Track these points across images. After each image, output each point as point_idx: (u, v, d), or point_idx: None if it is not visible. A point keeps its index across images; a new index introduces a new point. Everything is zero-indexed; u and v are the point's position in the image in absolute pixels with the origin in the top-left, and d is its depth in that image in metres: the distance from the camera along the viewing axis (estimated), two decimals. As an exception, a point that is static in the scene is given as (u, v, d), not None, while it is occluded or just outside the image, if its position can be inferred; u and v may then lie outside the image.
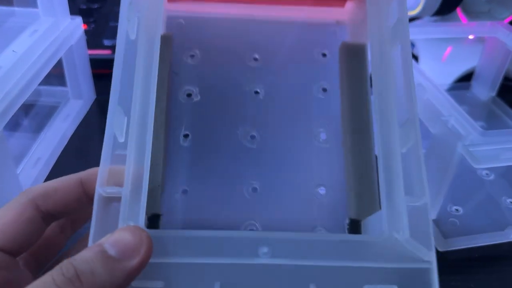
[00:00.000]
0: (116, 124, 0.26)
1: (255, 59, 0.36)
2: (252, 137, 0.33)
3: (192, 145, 0.32)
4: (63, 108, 0.53)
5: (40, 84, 0.55)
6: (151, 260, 0.22)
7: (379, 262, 0.24)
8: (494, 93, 0.60)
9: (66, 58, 0.51)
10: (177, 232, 0.25)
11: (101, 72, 0.63)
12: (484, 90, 0.61)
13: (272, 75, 0.35)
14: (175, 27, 0.36)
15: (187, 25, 0.36)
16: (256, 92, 0.34)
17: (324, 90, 0.34)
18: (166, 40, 0.34)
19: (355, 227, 0.31)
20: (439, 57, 0.66)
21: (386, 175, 0.26)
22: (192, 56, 0.35)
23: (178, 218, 0.31)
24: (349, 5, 0.37)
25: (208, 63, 0.35)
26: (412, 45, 0.67)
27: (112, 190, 0.24)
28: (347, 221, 0.31)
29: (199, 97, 0.34)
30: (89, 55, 0.56)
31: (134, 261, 0.20)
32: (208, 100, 0.34)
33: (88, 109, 0.56)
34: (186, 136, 0.32)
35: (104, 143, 0.25)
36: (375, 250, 0.24)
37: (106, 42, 0.65)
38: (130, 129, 0.26)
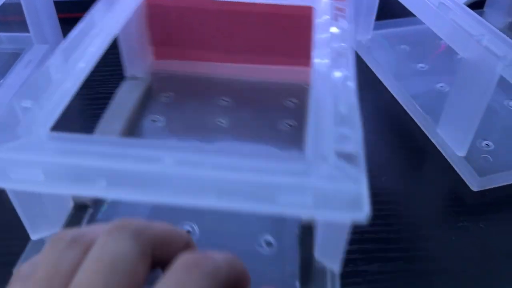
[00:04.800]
0: None
1: (224, 100, 0.43)
2: None
3: None
4: (25, 54, 0.46)
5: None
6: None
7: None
8: (511, 19, 0.55)
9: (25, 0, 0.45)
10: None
11: (69, 16, 0.55)
12: (499, 16, 0.55)
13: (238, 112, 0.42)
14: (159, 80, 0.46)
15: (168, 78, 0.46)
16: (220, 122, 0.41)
17: (289, 125, 0.41)
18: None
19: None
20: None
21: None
22: (167, 97, 0.44)
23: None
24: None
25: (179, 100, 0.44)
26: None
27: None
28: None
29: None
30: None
31: None
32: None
33: (56, 56, 0.49)
34: None
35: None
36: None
37: (74, -17, 0.58)
38: None
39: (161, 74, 0.46)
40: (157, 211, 0.33)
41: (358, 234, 0.33)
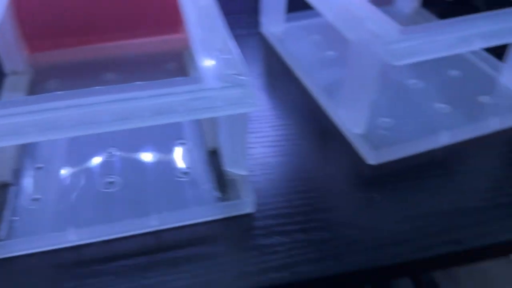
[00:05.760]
0: None
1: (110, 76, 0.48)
2: None
3: None
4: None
5: None
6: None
7: None
8: (418, 4, 0.57)
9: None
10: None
11: None
12: (406, 2, 0.58)
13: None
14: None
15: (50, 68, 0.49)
16: None
17: None
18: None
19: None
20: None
21: None
22: (53, 85, 0.47)
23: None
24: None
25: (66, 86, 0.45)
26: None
27: None
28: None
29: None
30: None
31: None
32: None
33: None
34: None
35: None
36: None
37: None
38: None
39: (42, 66, 0.49)
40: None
41: (260, 212, 0.35)
